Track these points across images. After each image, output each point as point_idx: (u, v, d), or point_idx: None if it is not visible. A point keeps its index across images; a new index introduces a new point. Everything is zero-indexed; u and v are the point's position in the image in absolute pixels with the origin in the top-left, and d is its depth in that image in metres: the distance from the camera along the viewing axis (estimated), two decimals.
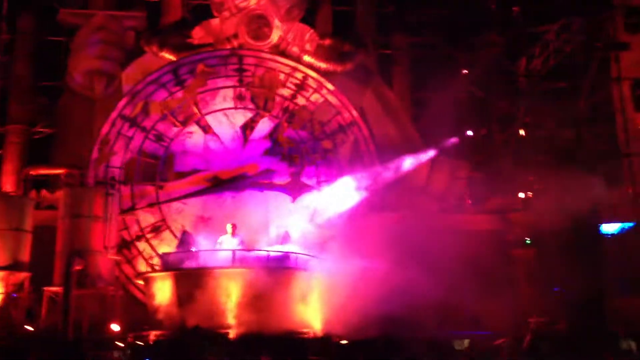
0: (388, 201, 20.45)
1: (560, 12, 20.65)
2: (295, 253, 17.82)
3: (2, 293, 17.44)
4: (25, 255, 18.03)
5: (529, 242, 20.65)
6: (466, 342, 17.47)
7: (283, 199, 21.04)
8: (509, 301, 18.65)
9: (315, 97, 21.85)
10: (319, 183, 21.32)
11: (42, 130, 22.51)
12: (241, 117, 21.52)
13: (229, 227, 18.27)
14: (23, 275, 17.80)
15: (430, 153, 21.38)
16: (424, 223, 19.08)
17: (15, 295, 17.66)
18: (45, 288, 17.79)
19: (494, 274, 19.14)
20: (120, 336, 16.67)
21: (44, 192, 20.07)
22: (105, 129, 20.55)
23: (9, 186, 20.55)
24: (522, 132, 21.80)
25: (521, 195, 21.35)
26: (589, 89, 20.80)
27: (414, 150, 21.27)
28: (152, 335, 16.40)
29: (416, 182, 21.23)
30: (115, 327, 17.17)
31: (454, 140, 21.97)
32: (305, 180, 21.36)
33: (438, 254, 17.58)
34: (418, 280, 16.47)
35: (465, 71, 23.03)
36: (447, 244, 17.80)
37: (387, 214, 19.92)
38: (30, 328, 17.20)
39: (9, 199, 18.62)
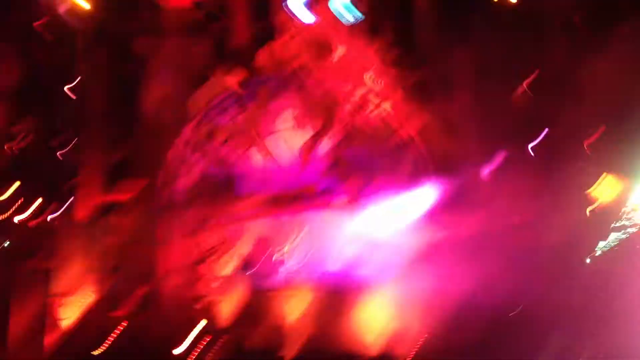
0: (449, 219, 19.89)
1: None
2: (356, 272, 17.71)
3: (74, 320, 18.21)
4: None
5: None
6: None
7: (343, 218, 20.85)
8: None
9: (375, 114, 21.72)
10: (378, 201, 21.05)
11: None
12: (300, 138, 21.62)
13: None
14: (90, 301, 18.55)
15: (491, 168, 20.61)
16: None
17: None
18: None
19: None
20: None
21: (112, 217, 20.84)
22: (170, 154, 21.22)
23: (81, 213, 21.50)
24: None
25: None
26: None
27: (475, 166, 20.61)
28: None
29: (479, 199, 20.54)
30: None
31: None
32: (364, 199, 21.19)
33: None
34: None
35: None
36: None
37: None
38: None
39: (81, 228, 19.45)
